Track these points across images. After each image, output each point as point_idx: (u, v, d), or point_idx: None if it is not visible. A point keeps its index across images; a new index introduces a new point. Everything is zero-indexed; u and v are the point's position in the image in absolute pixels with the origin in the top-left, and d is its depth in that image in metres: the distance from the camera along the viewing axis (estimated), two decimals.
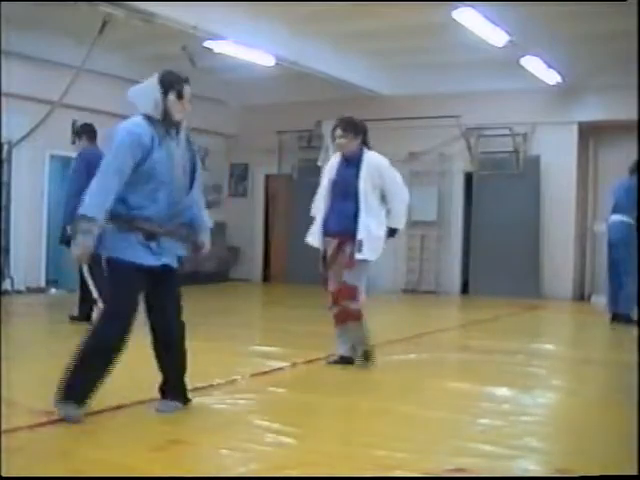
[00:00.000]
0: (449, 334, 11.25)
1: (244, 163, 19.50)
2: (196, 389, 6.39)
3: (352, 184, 7.43)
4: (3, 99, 12.99)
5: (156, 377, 6.49)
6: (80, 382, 5.23)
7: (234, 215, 19.30)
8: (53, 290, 14.48)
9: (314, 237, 7.68)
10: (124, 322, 5.32)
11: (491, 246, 16.18)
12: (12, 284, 14.39)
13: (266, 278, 19.25)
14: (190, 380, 6.41)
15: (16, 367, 6.28)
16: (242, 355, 8.36)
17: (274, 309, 14.44)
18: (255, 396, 6.50)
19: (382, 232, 7.52)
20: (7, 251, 14.58)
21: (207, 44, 12.83)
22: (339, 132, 7.54)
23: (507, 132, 16.20)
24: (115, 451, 4.78)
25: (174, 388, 5.72)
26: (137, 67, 15.21)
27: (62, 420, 5.24)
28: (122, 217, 5.28)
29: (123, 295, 5.35)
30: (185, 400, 5.75)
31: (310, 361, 7.99)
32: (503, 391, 6.91)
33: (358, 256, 7.31)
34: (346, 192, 7.45)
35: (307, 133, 18.05)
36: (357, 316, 7.51)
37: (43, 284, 14.94)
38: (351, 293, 7.45)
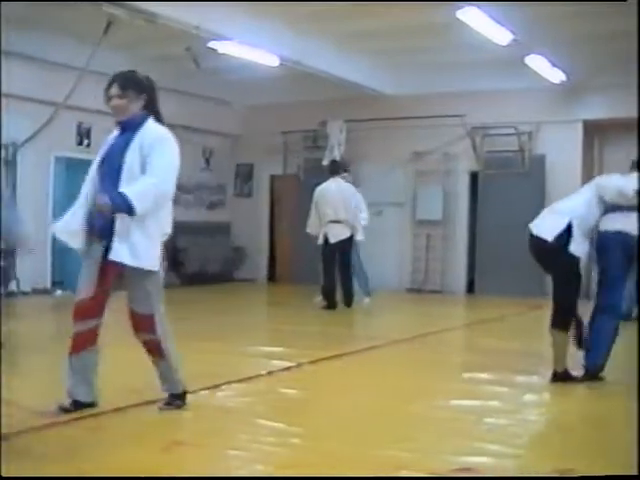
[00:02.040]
0: (454, 333, 11.24)
1: (249, 163, 19.49)
2: (201, 389, 6.41)
3: (118, 158, 5.49)
4: (6, 100, 13.00)
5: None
6: None
7: (239, 215, 19.29)
8: (59, 292, 14.48)
9: (69, 233, 5.62)
10: None
11: (497, 245, 16.15)
12: (18, 285, 14.41)
13: (271, 278, 19.24)
14: (196, 381, 6.43)
15: (22, 368, 6.27)
16: (247, 355, 8.36)
17: (279, 309, 14.43)
18: (260, 396, 6.51)
19: (154, 230, 5.61)
20: (13, 252, 14.55)
21: (211, 44, 12.82)
22: (115, 90, 5.67)
23: (512, 131, 16.17)
24: (120, 452, 4.77)
25: None
26: (141, 68, 15.20)
27: (68, 421, 5.26)
28: None
29: None
30: None
31: (315, 361, 7.97)
32: (509, 390, 6.91)
33: (112, 256, 5.38)
34: (112, 171, 5.47)
35: (312, 133, 18.02)
36: (156, 350, 5.68)
37: (49, 286, 14.96)
38: (145, 324, 5.61)
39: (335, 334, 10.68)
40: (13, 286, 14.56)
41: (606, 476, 4.40)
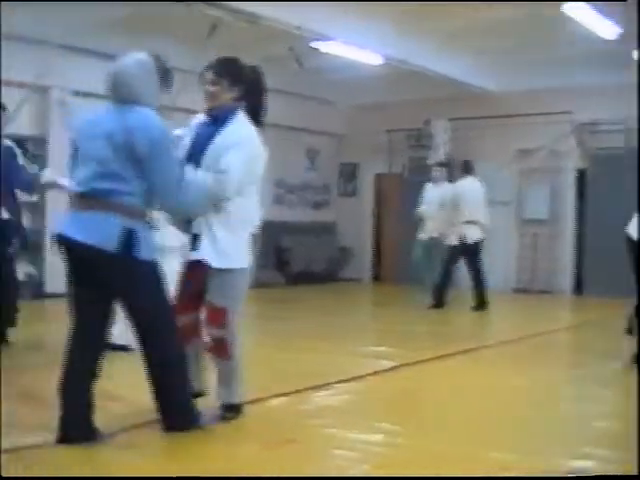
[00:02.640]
0: (562, 335, 11.07)
1: (353, 163, 19.52)
2: (310, 388, 6.44)
3: (200, 150, 5.35)
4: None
5: (269, 375, 6.55)
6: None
7: (344, 215, 19.34)
8: None
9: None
10: None
11: (606, 244, 15.74)
12: None
13: (376, 278, 19.22)
14: (302, 380, 6.47)
15: (126, 365, 6.34)
16: (353, 355, 8.36)
17: (385, 309, 14.40)
18: (366, 396, 6.51)
19: (238, 226, 5.33)
20: None
21: (314, 44, 12.85)
22: (211, 76, 5.49)
23: (621, 127, 15.85)
24: (227, 449, 4.83)
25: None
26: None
27: None
28: None
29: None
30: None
31: (421, 361, 7.94)
32: (619, 394, 6.78)
33: (197, 256, 5.28)
34: (194, 160, 5.34)
35: (416, 132, 17.96)
36: (222, 350, 5.38)
37: None
38: (217, 317, 5.33)
39: (441, 334, 10.60)
40: None
41: (606, 476, 4.36)
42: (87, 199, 4.69)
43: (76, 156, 4.89)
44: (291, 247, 17.56)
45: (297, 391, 6.34)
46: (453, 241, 12.77)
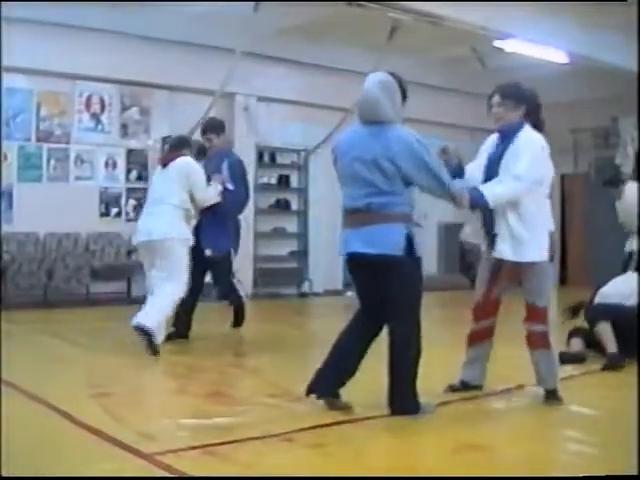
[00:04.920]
0: None
1: None
2: (497, 393, 6.42)
3: (495, 167, 6.00)
4: (300, 109, 13.59)
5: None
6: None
7: None
8: (349, 293, 14.82)
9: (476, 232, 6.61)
10: None
11: None
12: (310, 287, 14.95)
13: (563, 281, 18.80)
14: (497, 383, 6.52)
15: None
16: None
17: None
18: (557, 403, 6.31)
19: (537, 224, 5.94)
20: (306, 255, 15.19)
21: (496, 44, 12.68)
22: (496, 99, 6.17)
23: None
24: (410, 452, 4.84)
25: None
26: (427, 71, 15.29)
27: (379, 417, 5.46)
28: None
29: None
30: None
31: (618, 368, 7.54)
32: None
33: (496, 254, 6.06)
34: (491, 177, 5.96)
35: (603, 130, 17.48)
36: (545, 341, 6.08)
37: (340, 287, 15.35)
38: (539, 316, 6.05)
39: None
40: (306, 287, 15.16)
41: (606, 476, 4.21)
42: (365, 214, 5.43)
43: (340, 173, 5.66)
44: (477, 250, 17.30)
45: (494, 392, 6.36)
46: None
